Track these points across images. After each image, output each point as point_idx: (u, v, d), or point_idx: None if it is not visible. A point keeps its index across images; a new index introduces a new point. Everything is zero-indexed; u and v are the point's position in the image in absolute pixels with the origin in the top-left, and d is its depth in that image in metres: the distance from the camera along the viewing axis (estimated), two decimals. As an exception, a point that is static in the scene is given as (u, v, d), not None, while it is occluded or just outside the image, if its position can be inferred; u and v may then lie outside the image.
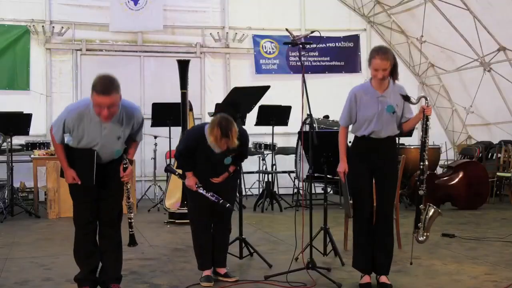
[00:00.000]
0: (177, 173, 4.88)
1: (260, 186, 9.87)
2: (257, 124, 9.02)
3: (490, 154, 10.21)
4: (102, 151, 4.04)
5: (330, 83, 11.10)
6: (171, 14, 10.69)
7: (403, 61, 11.61)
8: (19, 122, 8.32)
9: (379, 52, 4.15)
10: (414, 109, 4.45)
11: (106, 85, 3.92)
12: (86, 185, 4.12)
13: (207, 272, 4.64)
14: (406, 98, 4.18)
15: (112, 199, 4.15)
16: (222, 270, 4.71)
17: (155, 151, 9.39)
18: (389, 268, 4.40)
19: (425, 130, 4.13)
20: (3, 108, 8.95)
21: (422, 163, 4.12)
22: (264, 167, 9.55)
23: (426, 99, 4.26)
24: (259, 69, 11.03)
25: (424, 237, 4.31)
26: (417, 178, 4.21)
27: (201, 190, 4.51)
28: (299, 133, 6.48)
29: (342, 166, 4.27)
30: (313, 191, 6.53)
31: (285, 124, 9.12)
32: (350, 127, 4.34)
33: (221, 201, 4.47)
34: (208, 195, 4.49)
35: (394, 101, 4.20)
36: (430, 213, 4.25)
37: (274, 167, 9.16)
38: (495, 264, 5.10)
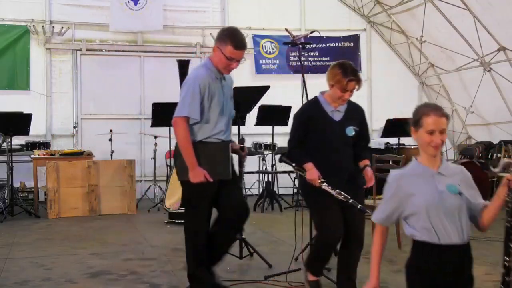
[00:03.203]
0: (294, 165, 4.06)
1: (260, 186, 9.87)
2: (257, 124, 9.02)
3: (490, 154, 10.20)
4: (225, 113, 3.94)
5: (330, 83, 11.08)
6: (171, 14, 10.69)
7: (403, 61, 11.61)
8: (19, 122, 8.32)
9: (433, 108, 2.78)
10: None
11: (243, 39, 3.84)
12: (221, 178, 3.89)
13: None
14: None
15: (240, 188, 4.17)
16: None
17: (155, 151, 9.39)
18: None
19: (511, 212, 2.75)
20: (3, 108, 8.95)
21: (507, 259, 2.95)
22: (264, 167, 9.55)
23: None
24: (259, 69, 11.03)
25: None
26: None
27: (325, 186, 3.78)
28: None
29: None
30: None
31: (285, 124, 9.11)
32: None
33: (350, 201, 3.73)
34: (334, 192, 3.75)
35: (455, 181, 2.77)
36: None
37: (274, 167, 9.16)
38: (495, 264, 5.09)
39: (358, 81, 3.85)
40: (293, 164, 4.05)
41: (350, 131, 3.93)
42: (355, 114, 4.07)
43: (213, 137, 3.89)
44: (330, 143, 3.93)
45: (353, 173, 3.98)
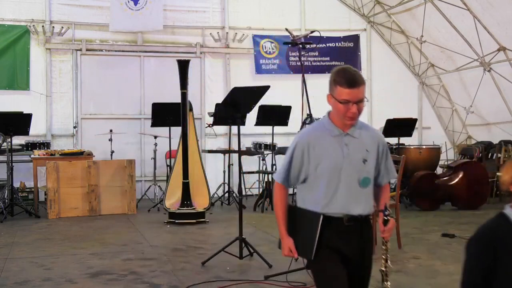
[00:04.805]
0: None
1: (260, 186, 9.88)
2: (257, 124, 9.03)
3: (490, 154, 10.20)
4: (346, 182, 2.81)
5: (330, 83, 11.08)
6: (171, 14, 10.69)
7: (403, 61, 11.61)
8: (19, 122, 8.32)
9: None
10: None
11: (353, 75, 2.83)
12: (302, 257, 3.03)
13: None
14: None
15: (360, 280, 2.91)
16: None
17: (155, 151, 9.39)
18: None
19: None
20: (3, 108, 8.96)
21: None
22: (264, 167, 9.55)
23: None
24: (259, 69, 11.03)
25: None
26: None
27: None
28: (299, 133, 6.47)
29: None
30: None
31: (285, 124, 9.13)
32: None
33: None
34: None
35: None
36: None
37: (274, 167, 9.16)
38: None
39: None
40: None
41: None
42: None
43: (313, 206, 2.94)
44: None
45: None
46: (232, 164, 9.65)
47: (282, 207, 2.99)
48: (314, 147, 2.80)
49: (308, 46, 5.19)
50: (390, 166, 2.98)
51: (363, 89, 2.77)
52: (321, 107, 10.26)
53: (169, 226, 7.45)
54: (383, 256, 2.87)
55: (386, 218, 2.82)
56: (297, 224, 2.94)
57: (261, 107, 8.59)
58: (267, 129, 9.25)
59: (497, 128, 10.18)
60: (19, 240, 6.49)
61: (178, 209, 7.63)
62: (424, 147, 9.65)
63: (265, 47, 11.07)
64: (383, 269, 2.87)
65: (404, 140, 9.57)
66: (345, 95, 2.71)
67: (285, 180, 2.93)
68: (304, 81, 4.83)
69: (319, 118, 10.11)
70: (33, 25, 9.96)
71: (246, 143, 9.52)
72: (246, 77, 10.82)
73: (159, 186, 9.45)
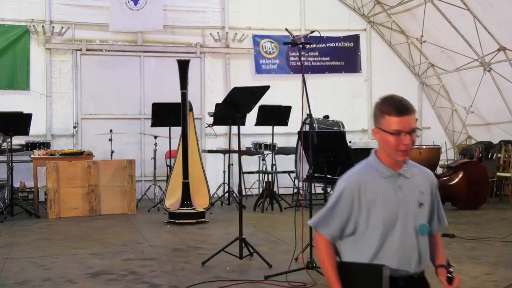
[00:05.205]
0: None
1: (260, 186, 9.88)
2: (257, 124, 9.02)
3: (490, 154, 10.21)
4: (401, 231, 2.39)
5: (330, 83, 11.10)
6: (171, 14, 10.69)
7: (403, 61, 11.61)
8: (19, 122, 8.31)
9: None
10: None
11: (401, 101, 2.40)
12: None
13: None
14: None
15: None
16: None
17: (155, 151, 9.39)
18: None
19: None
20: (3, 108, 8.96)
21: None
22: (264, 167, 9.55)
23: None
24: (259, 69, 11.03)
25: None
26: None
27: None
28: (299, 133, 6.48)
29: None
30: (313, 191, 6.53)
31: (285, 124, 9.13)
32: None
33: None
34: None
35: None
36: None
37: (274, 167, 9.16)
38: (495, 264, 5.10)
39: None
40: None
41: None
42: None
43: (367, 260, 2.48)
44: None
45: None
46: (232, 164, 9.65)
47: (332, 265, 2.43)
48: (365, 192, 2.37)
49: (308, 46, 5.19)
50: (442, 211, 2.59)
51: (414, 117, 2.38)
52: (321, 107, 10.32)
53: (169, 226, 7.44)
54: None
55: (450, 275, 2.37)
56: (350, 284, 2.40)
57: (261, 107, 8.59)
58: (267, 129, 9.25)
59: (497, 128, 10.18)
60: (19, 240, 6.49)
61: (178, 209, 7.63)
62: (424, 147, 9.64)
63: (265, 47, 11.07)
64: None
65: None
66: (396, 125, 2.33)
67: (330, 233, 2.43)
68: (304, 81, 4.82)
69: (319, 118, 10.15)
70: (33, 25, 9.96)
71: (246, 143, 9.53)
72: (246, 77, 10.83)
73: (159, 186, 9.45)
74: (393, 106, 2.36)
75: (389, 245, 2.34)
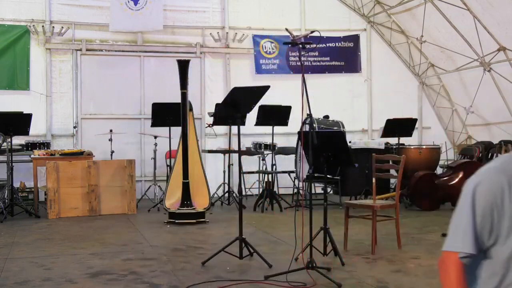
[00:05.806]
0: None
1: (260, 186, 9.88)
2: (257, 124, 9.02)
3: (490, 154, 10.20)
4: None
5: (330, 83, 11.11)
6: (171, 14, 10.69)
7: (403, 61, 11.61)
8: (19, 122, 8.31)
9: None
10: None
11: None
12: None
13: None
14: None
15: None
16: None
17: (155, 151, 9.39)
18: None
19: None
20: (3, 108, 8.96)
21: None
22: (264, 167, 9.55)
23: None
24: (259, 69, 11.03)
25: None
26: None
27: None
28: (299, 133, 6.48)
29: None
30: (313, 191, 6.53)
31: (285, 124, 9.12)
32: None
33: None
34: None
35: None
36: None
37: (274, 167, 9.16)
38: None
39: None
40: None
41: None
42: None
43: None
44: None
45: None
46: (232, 164, 9.65)
47: None
48: (510, 195, 1.80)
49: (308, 46, 5.18)
50: None
51: None
52: (321, 107, 10.32)
53: (169, 226, 7.44)
54: None
55: None
56: None
57: (261, 107, 8.59)
58: (267, 129, 9.26)
59: (497, 128, 10.18)
60: (19, 240, 6.49)
61: (178, 209, 7.63)
62: (424, 147, 9.64)
63: (265, 47, 11.07)
64: None
65: (404, 140, 9.56)
66: None
67: (472, 247, 1.87)
68: (304, 81, 4.82)
69: (319, 118, 10.15)
70: (33, 25, 9.96)
71: (246, 143, 9.53)
72: (246, 77, 10.83)
73: (159, 186, 9.45)
74: None
75: None
